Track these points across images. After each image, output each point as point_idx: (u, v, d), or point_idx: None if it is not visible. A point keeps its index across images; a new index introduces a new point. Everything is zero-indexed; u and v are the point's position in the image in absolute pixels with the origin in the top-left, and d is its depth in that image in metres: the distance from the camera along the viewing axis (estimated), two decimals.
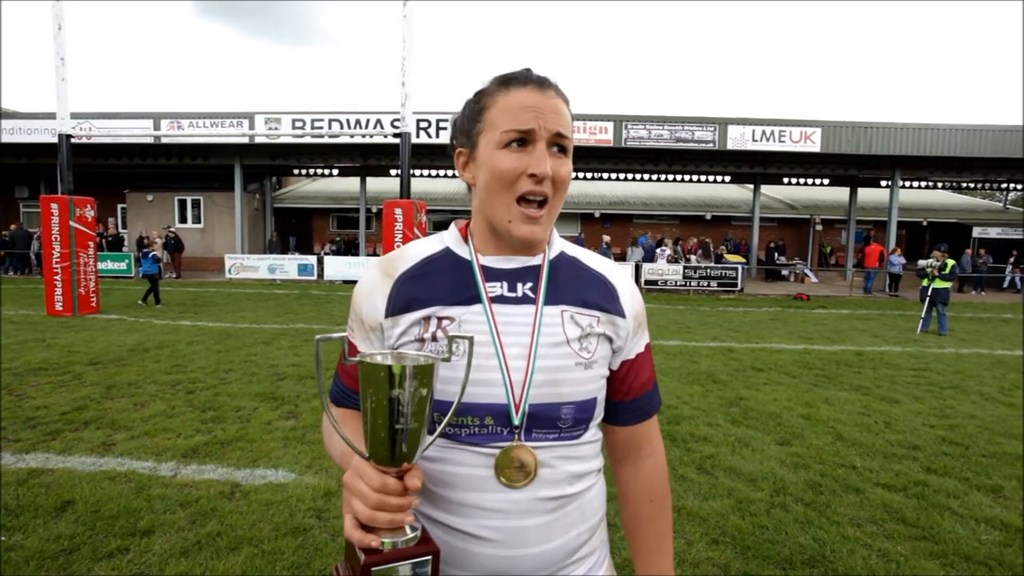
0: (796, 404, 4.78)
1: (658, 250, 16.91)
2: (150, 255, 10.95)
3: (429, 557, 0.63)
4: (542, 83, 0.77)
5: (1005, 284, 18.25)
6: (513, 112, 0.75)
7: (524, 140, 0.75)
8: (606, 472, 0.91)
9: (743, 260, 18.06)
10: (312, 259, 16.74)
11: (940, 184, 20.17)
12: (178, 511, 2.72)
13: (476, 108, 0.80)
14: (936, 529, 2.69)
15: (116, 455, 3.41)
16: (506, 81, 0.78)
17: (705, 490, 3.07)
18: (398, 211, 9.36)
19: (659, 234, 20.45)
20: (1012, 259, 18.66)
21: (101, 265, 14.39)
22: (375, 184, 21.66)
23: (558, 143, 0.76)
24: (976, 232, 19.91)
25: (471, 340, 0.68)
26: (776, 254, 19.71)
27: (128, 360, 5.92)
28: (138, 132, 15.31)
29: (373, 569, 0.61)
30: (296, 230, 23.47)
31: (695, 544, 2.53)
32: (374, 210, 20.71)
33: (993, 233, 19.99)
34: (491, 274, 0.80)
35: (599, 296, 0.82)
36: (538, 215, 0.76)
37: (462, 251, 0.82)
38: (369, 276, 0.83)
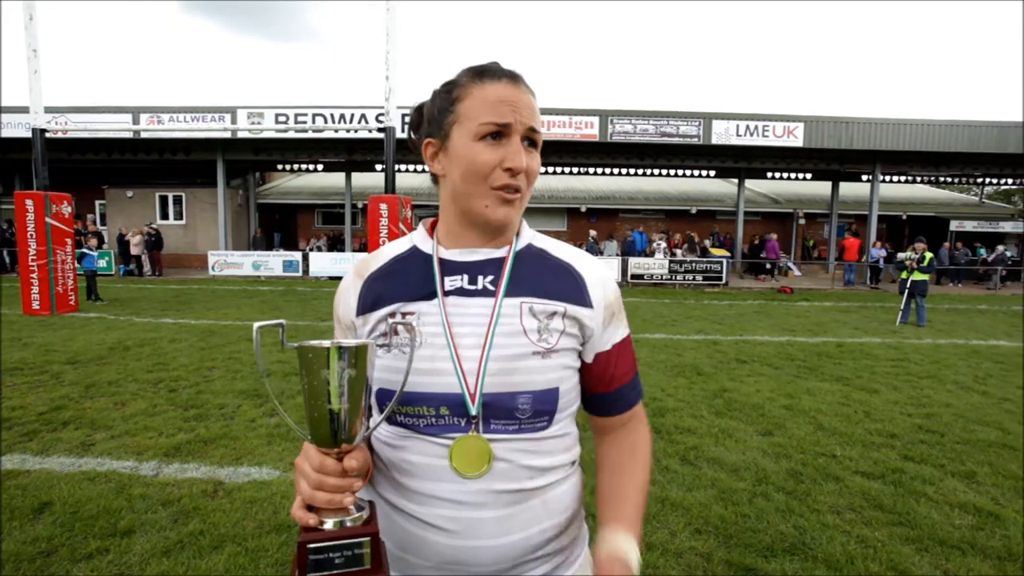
0: (779, 395, 4.85)
1: (655, 244, 17.13)
2: (81, 251, 10.62)
3: (367, 539, 0.64)
4: (514, 78, 0.78)
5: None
6: (490, 105, 0.75)
7: (500, 133, 0.75)
8: (589, 465, 0.90)
9: (728, 254, 18.24)
10: (297, 255, 16.58)
11: (919, 178, 20.54)
12: (160, 510, 2.69)
13: (448, 99, 0.79)
14: (912, 515, 2.76)
15: (96, 455, 3.35)
16: (480, 73, 0.78)
17: (689, 481, 3.11)
18: (383, 206, 9.29)
19: (644, 228, 20.57)
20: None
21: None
22: (360, 179, 21.48)
23: (530, 137, 0.78)
24: (953, 225, 20.34)
25: (411, 328, 0.72)
26: (761, 250, 19.91)
27: (108, 359, 5.81)
28: (116, 126, 14.98)
29: (309, 546, 0.62)
30: (281, 226, 23.21)
31: (678, 534, 2.56)
32: (359, 205, 20.55)
33: (970, 226, 20.44)
34: (452, 268, 0.81)
35: (563, 286, 0.82)
36: (514, 197, 0.78)
37: (426, 247, 0.84)
38: (345, 277, 0.87)
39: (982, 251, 18.86)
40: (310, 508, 0.65)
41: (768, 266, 18.42)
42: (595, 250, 16.94)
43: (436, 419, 0.75)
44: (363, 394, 0.66)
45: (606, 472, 0.85)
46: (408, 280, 0.81)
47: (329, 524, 0.64)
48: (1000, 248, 17.89)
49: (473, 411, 0.75)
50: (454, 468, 0.74)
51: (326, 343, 0.65)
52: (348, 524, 0.64)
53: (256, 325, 0.69)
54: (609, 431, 0.89)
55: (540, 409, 0.77)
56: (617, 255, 16.78)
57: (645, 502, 0.83)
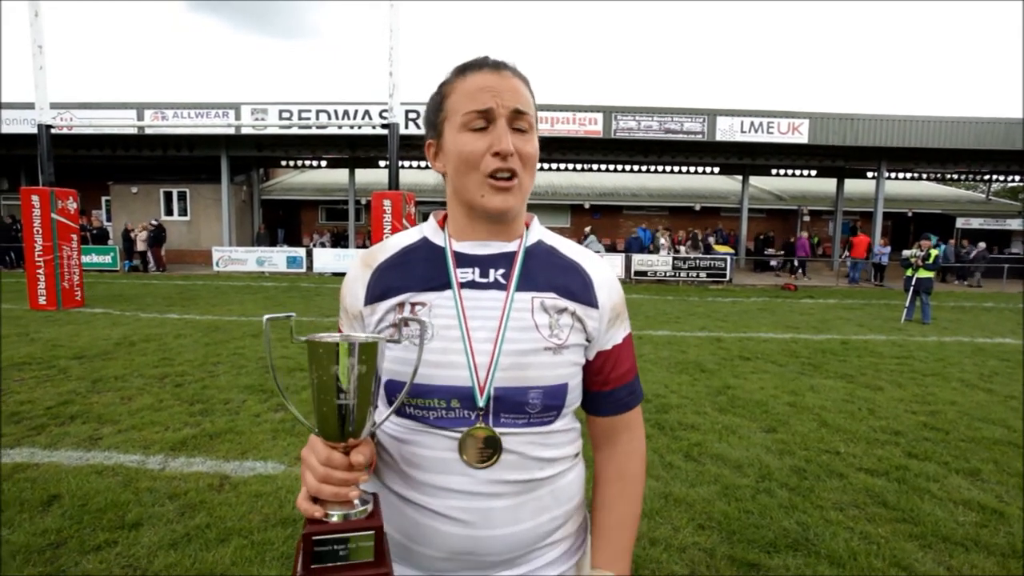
0: (782, 392, 4.85)
1: (662, 241, 17.06)
2: None
3: (371, 532, 0.64)
4: (497, 65, 0.78)
5: None
6: (471, 95, 0.76)
7: (485, 120, 0.76)
8: (587, 460, 0.91)
9: (732, 251, 18.19)
10: (301, 251, 16.63)
11: (925, 175, 20.42)
12: (166, 504, 2.71)
13: (438, 99, 0.81)
14: (916, 512, 2.76)
15: (103, 449, 3.38)
16: (463, 68, 0.79)
17: (692, 477, 3.12)
18: (387, 202, 9.31)
19: (647, 225, 20.53)
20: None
21: (85, 259, 14.14)
22: (364, 175, 21.50)
23: (519, 120, 0.77)
24: (960, 223, 20.21)
25: (423, 324, 0.70)
26: (765, 246, 19.86)
27: (114, 354, 5.85)
28: (121, 122, 15.03)
29: (314, 538, 0.62)
30: (284, 222, 23.26)
31: (682, 530, 2.57)
32: (363, 202, 20.57)
33: (976, 224, 20.31)
34: (464, 260, 0.81)
35: (573, 285, 0.82)
36: (509, 185, 0.77)
37: (438, 239, 0.84)
38: (352, 268, 0.87)
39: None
40: (315, 500, 0.66)
41: (772, 263, 18.38)
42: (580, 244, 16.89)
43: (447, 411, 0.76)
44: (372, 389, 0.66)
45: (600, 509, 0.86)
46: (419, 271, 0.81)
47: (335, 517, 0.65)
48: (981, 245, 17.69)
49: (480, 404, 0.75)
50: (464, 457, 0.75)
51: (336, 337, 0.65)
52: (353, 517, 0.65)
53: (266, 317, 0.69)
54: (604, 438, 0.88)
55: (549, 404, 0.78)
56: (599, 253, 16.71)
57: (635, 532, 0.86)
